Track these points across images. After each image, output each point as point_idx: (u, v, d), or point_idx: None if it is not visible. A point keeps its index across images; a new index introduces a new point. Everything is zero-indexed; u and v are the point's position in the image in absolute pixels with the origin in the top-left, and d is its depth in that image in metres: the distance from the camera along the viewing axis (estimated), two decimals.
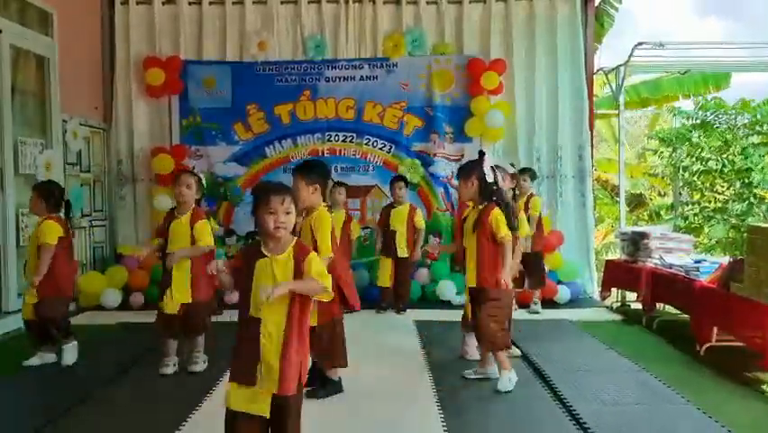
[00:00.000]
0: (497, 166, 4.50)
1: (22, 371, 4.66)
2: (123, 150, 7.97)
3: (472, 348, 4.87)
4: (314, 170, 4.02)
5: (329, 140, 7.99)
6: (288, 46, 8.07)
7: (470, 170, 4.35)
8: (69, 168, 7.16)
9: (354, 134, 7.98)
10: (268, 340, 2.55)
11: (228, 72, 7.95)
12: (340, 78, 7.98)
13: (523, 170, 6.68)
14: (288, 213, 2.58)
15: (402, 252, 6.73)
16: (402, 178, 7.06)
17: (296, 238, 2.69)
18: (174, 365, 4.55)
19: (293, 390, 2.59)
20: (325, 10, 8.01)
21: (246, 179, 7.87)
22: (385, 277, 6.81)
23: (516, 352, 4.83)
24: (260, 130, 7.96)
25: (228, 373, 2.68)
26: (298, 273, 2.58)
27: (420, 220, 6.82)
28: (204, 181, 4.72)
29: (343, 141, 8.00)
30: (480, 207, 4.28)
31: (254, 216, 2.63)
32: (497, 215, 4.18)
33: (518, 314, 6.64)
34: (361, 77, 7.98)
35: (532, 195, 6.50)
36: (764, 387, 4.24)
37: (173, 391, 4.20)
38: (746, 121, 8.69)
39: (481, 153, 4.49)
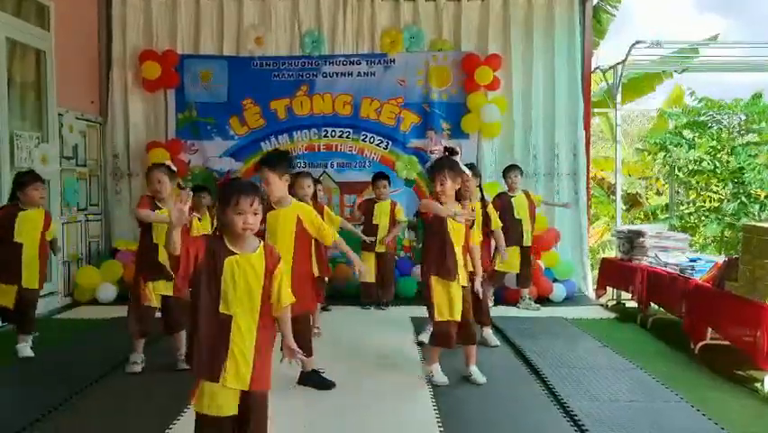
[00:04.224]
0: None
1: (13, 364, 4.66)
2: (119, 144, 7.95)
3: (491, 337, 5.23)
4: (282, 160, 4.03)
5: (326, 135, 7.99)
6: (286, 41, 8.05)
7: (457, 168, 4.25)
8: (65, 162, 7.14)
9: (351, 130, 7.98)
10: (239, 338, 2.55)
11: (225, 67, 7.94)
12: (337, 74, 7.97)
13: (513, 167, 6.79)
14: (255, 214, 2.58)
15: (380, 246, 6.71)
16: (385, 176, 6.94)
17: (261, 240, 2.69)
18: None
19: (264, 386, 2.63)
20: (323, 5, 7.99)
21: (241, 174, 7.85)
22: (371, 272, 6.80)
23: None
24: (256, 125, 7.95)
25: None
26: (268, 278, 2.62)
27: (401, 214, 6.82)
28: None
29: (340, 137, 7.99)
30: (459, 206, 4.22)
31: (219, 212, 2.62)
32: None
33: (517, 311, 6.70)
34: (359, 73, 7.98)
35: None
36: (757, 385, 4.25)
37: (166, 387, 4.19)
38: (739, 120, 8.69)
39: (453, 151, 4.44)
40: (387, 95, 7.95)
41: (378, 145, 7.96)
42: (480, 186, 5.41)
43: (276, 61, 7.97)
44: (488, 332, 5.30)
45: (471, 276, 4.37)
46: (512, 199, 6.59)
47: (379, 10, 7.99)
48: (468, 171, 4.54)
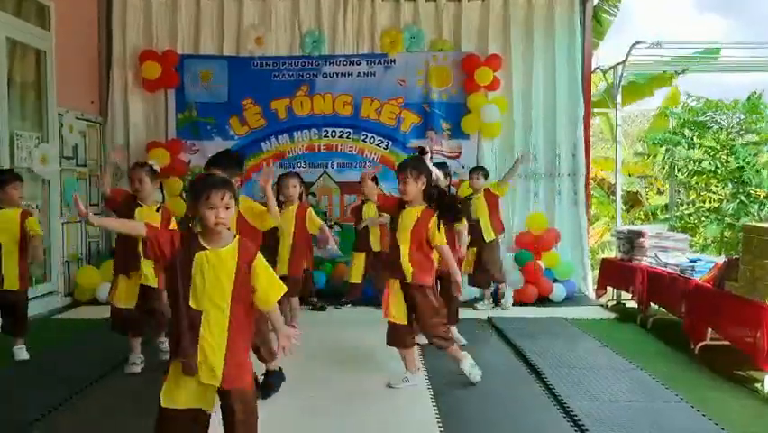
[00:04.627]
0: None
1: (12, 364, 4.66)
2: (120, 144, 7.93)
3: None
4: (231, 161, 4.01)
5: (326, 136, 7.99)
6: (286, 41, 8.05)
7: (422, 167, 4.20)
8: (65, 162, 7.14)
9: (351, 130, 7.97)
10: (209, 333, 2.52)
11: (225, 67, 7.93)
12: (337, 74, 7.97)
13: (475, 169, 6.82)
14: (227, 208, 2.55)
15: (376, 245, 6.73)
16: (373, 178, 6.93)
17: (237, 234, 2.64)
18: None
19: (241, 384, 2.58)
20: (323, 5, 7.99)
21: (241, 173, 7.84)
22: (358, 273, 6.82)
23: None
24: (257, 125, 7.95)
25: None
26: (242, 273, 2.56)
27: None
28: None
29: (340, 137, 7.99)
30: (419, 207, 4.14)
31: (192, 208, 2.59)
32: (436, 221, 4.09)
33: (517, 311, 6.71)
34: (359, 73, 7.97)
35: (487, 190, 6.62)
36: (757, 385, 4.25)
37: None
38: (738, 120, 8.67)
39: (423, 151, 4.42)
40: (387, 95, 7.95)
41: (378, 145, 7.96)
42: (449, 185, 5.39)
43: (276, 61, 7.97)
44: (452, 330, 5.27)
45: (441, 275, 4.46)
46: (470, 201, 6.61)
47: (379, 10, 7.99)
48: (439, 173, 4.49)
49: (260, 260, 2.61)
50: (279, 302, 2.72)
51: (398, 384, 4.20)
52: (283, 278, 5.59)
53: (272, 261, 5.65)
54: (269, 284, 2.62)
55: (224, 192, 2.55)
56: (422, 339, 5.26)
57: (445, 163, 6.42)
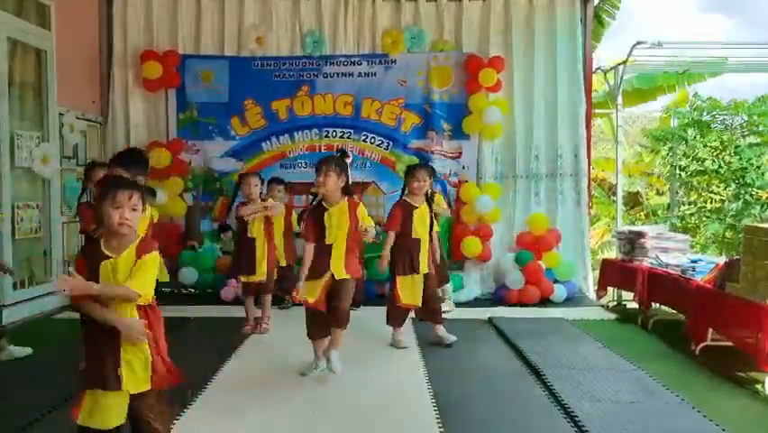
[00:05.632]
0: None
1: (12, 364, 4.67)
2: (120, 144, 7.91)
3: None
4: (135, 160, 3.96)
5: (326, 136, 7.98)
6: (287, 41, 8.04)
7: (345, 166, 4.40)
8: (66, 161, 7.14)
9: (352, 131, 7.96)
10: (129, 344, 2.49)
11: (226, 67, 7.92)
12: (338, 74, 7.96)
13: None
14: (134, 209, 2.50)
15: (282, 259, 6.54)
16: (279, 180, 6.83)
17: (141, 236, 2.60)
18: None
19: (163, 384, 2.59)
20: (324, 5, 7.98)
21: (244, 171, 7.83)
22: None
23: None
24: (257, 125, 7.94)
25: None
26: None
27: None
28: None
29: (341, 137, 7.98)
30: (343, 201, 4.31)
31: (98, 209, 2.53)
32: (363, 209, 4.34)
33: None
34: (360, 73, 7.96)
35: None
36: (758, 386, 4.25)
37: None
38: (742, 121, 8.67)
39: (344, 152, 4.52)
40: (388, 95, 7.94)
41: (378, 146, 7.95)
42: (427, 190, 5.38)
43: (277, 61, 7.96)
44: (441, 329, 5.38)
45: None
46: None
47: (380, 10, 7.97)
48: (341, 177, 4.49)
49: (151, 257, 2.53)
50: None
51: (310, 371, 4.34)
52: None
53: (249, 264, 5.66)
54: (135, 278, 2.48)
55: (132, 192, 2.51)
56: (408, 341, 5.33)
57: (428, 164, 6.38)
